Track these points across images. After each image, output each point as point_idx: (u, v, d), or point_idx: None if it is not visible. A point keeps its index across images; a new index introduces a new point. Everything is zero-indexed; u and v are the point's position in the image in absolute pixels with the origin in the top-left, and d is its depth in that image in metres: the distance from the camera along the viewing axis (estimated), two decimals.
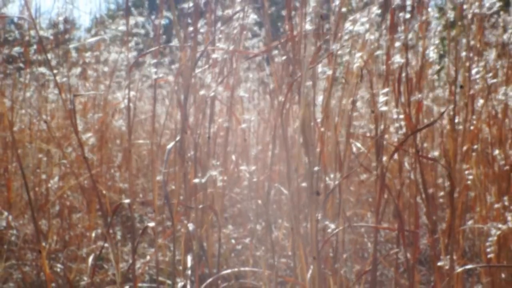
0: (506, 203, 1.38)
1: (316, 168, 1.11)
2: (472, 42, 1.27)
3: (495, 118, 1.55)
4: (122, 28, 2.12)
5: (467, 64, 1.27)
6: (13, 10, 3.94)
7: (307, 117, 1.09)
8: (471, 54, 1.28)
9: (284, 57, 1.12)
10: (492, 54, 1.48)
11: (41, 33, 1.90)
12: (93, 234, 2.06)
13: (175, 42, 1.40)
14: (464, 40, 1.36)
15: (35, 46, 2.07)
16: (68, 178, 2.14)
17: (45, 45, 1.97)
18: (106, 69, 2.33)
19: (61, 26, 2.16)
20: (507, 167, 1.42)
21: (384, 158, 1.27)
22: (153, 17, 1.66)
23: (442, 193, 1.62)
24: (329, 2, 1.23)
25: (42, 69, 1.91)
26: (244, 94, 1.51)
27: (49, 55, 1.89)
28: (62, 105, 1.80)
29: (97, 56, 2.32)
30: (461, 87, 1.61)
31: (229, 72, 1.50)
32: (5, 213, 2.07)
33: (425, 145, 1.63)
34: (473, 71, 1.30)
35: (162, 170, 1.37)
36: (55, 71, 1.92)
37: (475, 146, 1.35)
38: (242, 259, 2.15)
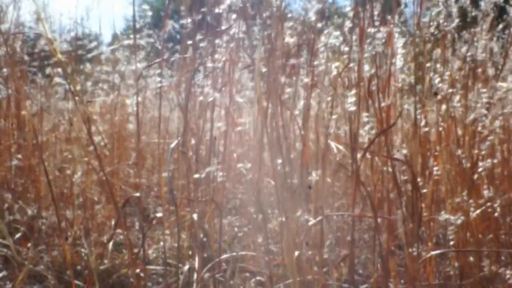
0: (465, 198, 1.40)
1: (287, 169, 1.14)
2: (436, 54, 1.29)
3: (464, 120, 1.56)
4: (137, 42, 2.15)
5: (431, 74, 1.29)
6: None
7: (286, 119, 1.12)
8: (437, 65, 1.30)
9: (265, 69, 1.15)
10: (455, 64, 1.50)
11: (65, 46, 1.96)
12: (112, 223, 2.12)
13: (176, 55, 1.43)
14: (434, 52, 1.37)
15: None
16: (90, 174, 2.19)
17: (66, 58, 2.02)
18: (118, 77, 2.38)
19: (83, 41, 2.21)
20: (468, 165, 1.44)
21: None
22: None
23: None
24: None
25: (57, 79, 1.95)
26: (239, 100, 1.54)
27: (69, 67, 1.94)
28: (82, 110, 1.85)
29: (112, 67, 2.37)
30: (435, 94, 1.62)
31: (225, 80, 1.53)
32: (34, 205, 2.13)
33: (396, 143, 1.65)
34: (437, 80, 1.32)
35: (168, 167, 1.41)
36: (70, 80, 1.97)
37: (437, 147, 1.38)
38: (244, 245, 2.18)
